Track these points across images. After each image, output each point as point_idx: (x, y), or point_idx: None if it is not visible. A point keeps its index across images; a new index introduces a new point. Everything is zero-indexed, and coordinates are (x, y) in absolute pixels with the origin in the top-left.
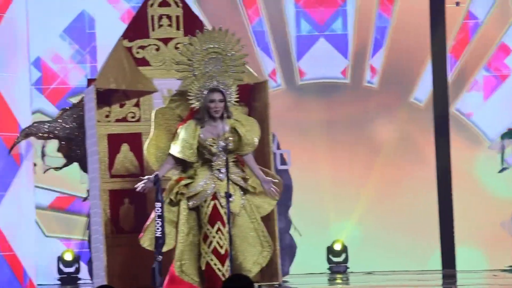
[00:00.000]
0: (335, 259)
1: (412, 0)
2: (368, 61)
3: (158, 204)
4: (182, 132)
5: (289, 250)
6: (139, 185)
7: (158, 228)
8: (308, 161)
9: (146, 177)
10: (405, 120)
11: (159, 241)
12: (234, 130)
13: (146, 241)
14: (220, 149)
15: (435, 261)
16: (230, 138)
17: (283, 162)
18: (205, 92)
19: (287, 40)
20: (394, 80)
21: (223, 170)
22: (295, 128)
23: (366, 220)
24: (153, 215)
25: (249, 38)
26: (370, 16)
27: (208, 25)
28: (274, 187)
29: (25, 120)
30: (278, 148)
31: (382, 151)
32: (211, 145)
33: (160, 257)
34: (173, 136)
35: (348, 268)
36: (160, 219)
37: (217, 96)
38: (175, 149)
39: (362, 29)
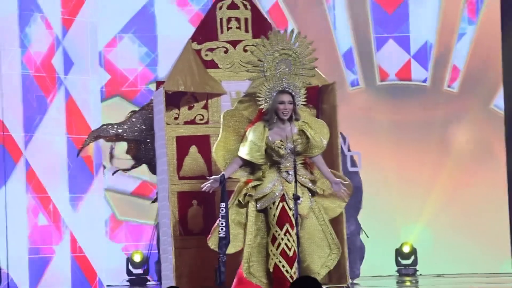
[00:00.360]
0: (404, 262)
1: (494, 4)
2: (450, 66)
3: (223, 205)
4: (250, 134)
5: (359, 252)
6: (205, 185)
7: (222, 229)
8: (378, 162)
9: (212, 177)
10: (482, 126)
11: (223, 241)
12: (302, 132)
13: (214, 242)
14: (288, 151)
15: (506, 264)
16: (298, 140)
17: (354, 164)
18: (274, 93)
19: (369, 39)
20: (476, 86)
21: (291, 172)
22: (370, 128)
23: (436, 222)
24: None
25: (331, 35)
26: (455, 20)
27: (291, 22)
28: (344, 188)
29: (95, 122)
30: (349, 150)
31: (453, 154)
32: (279, 147)
33: (224, 257)
34: (242, 138)
35: (417, 270)
36: (224, 220)
37: (286, 98)
38: (243, 151)
39: (445, 33)
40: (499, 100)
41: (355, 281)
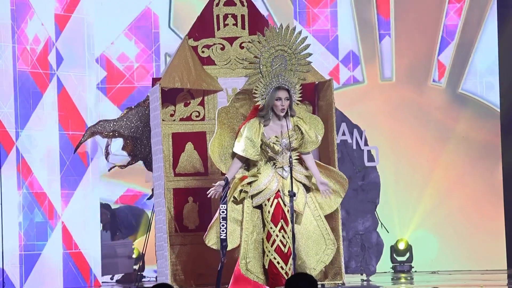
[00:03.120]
0: (399, 258)
1: None
2: None
3: (224, 206)
4: (245, 131)
5: (376, 248)
6: (211, 191)
7: (223, 230)
8: (385, 159)
9: (217, 183)
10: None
11: (224, 243)
12: (297, 128)
13: (211, 239)
14: (284, 147)
15: (500, 261)
16: (293, 136)
17: (371, 158)
18: (271, 90)
19: (472, 42)
20: None
21: (287, 168)
22: (411, 125)
23: (431, 219)
24: (217, 214)
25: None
26: None
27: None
28: (329, 189)
29: (91, 118)
30: (366, 144)
31: (447, 151)
32: (274, 143)
33: (225, 258)
34: (236, 134)
35: (412, 267)
36: (225, 221)
37: (283, 94)
38: (239, 148)
39: None
40: None
41: (354, 278)
